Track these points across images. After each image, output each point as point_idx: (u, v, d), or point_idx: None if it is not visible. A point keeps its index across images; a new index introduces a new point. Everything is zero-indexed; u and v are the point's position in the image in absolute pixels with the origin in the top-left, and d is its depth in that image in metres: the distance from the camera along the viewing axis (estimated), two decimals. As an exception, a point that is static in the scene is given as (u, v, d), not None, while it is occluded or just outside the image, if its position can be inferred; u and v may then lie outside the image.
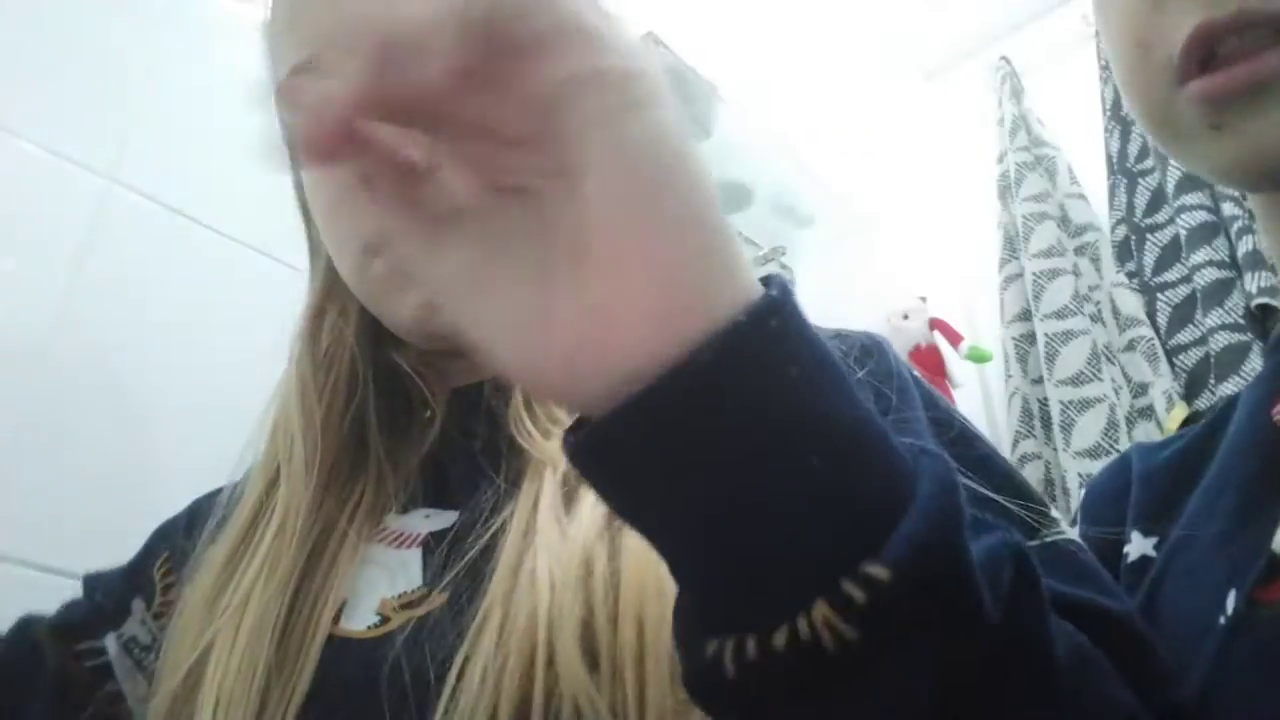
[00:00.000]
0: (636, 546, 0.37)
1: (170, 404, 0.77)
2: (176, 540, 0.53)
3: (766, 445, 0.21)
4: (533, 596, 0.37)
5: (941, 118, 2.01)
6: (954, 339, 1.62)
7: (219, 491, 0.54)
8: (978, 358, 1.61)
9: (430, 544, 0.45)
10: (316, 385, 0.50)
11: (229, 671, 0.41)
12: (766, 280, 0.24)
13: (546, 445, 0.43)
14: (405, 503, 0.48)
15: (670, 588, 0.25)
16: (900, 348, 1.55)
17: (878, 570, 0.20)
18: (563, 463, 0.42)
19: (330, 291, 0.53)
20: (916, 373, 0.45)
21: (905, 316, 1.65)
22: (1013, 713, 0.24)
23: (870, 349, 0.44)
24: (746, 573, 0.22)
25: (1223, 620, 0.35)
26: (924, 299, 1.69)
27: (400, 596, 0.43)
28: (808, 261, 1.64)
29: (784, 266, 1.57)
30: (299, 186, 0.56)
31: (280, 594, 0.43)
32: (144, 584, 0.53)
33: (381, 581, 0.44)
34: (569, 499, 0.41)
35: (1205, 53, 0.36)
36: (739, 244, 0.24)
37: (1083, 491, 0.52)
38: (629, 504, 0.24)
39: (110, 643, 0.50)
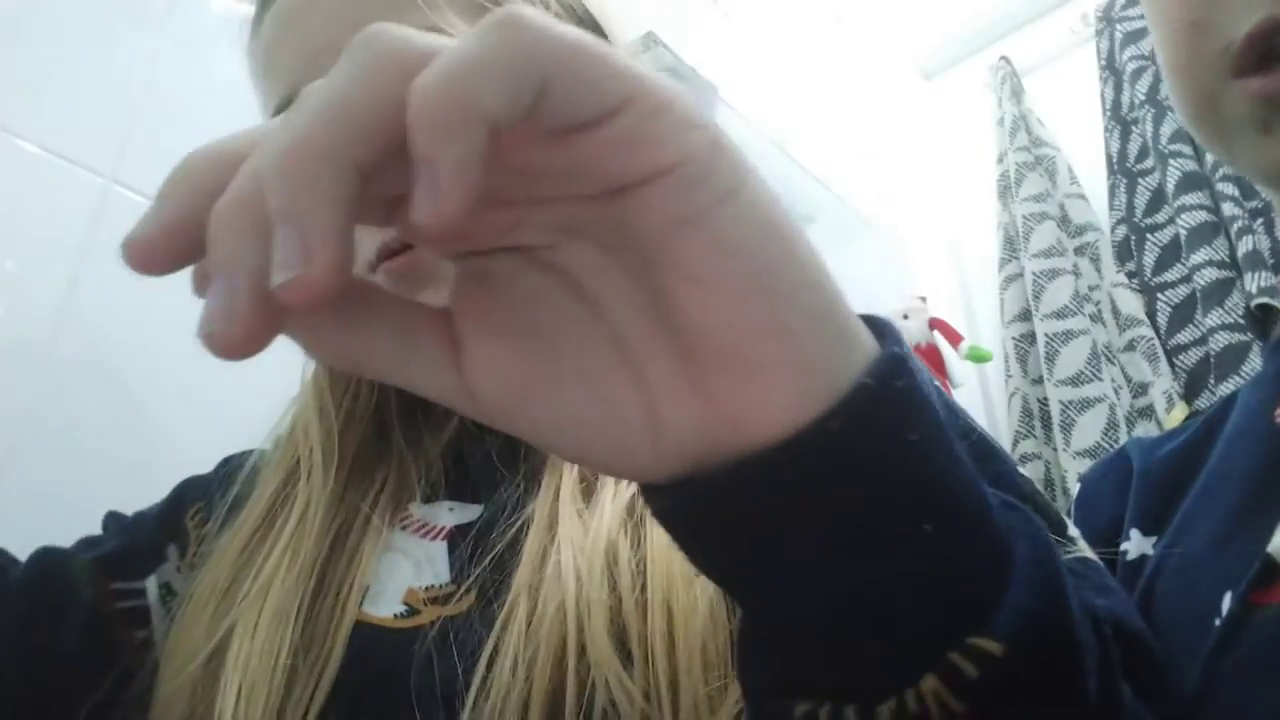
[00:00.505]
0: (660, 536, 0.37)
1: (171, 403, 0.77)
2: (209, 494, 0.53)
3: (885, 512, 0.20)
4: (559, 588, 0.37)
5: (941, 118, 2.02)
6: (954, 339, 1.62)
7: (249, 453, 0.53)
8: (978, 358, 1.61)
9: (456, 538, 0.45)
10: (338, 385, 0.51)
11: (252, 655, 0.40)
12: (877, 325, 0.22)
13: None
14: (428, 492, 0.48)
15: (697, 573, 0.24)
16: (900, 348, 1.54)
17: (989, 644, 0.20)
18: None
19: None
20: (936, 382, 0.45)
21: (905, 316, 1.65)
22: None
23: None
24: (851, 643, 0.21)
25: (1218, 622, 0.35)
26: (924, 299, 1.69)
27: (428, 590, 0.43)
28: (808, 261, 1.63)
29: (784, 266, 1.56)
30: None
31: (303, 580, 0.43)
32: (178, 531, 0.52)
33: (407, 570, 0.44)
34: (587, 492, 0.41)
35: (1266, 48, 0.35)
36: (846, 297, 0.21)
37: (1078, 486, 0.51)
38: (727, 567, 0.23)
39: (151, 584, 0.49)
